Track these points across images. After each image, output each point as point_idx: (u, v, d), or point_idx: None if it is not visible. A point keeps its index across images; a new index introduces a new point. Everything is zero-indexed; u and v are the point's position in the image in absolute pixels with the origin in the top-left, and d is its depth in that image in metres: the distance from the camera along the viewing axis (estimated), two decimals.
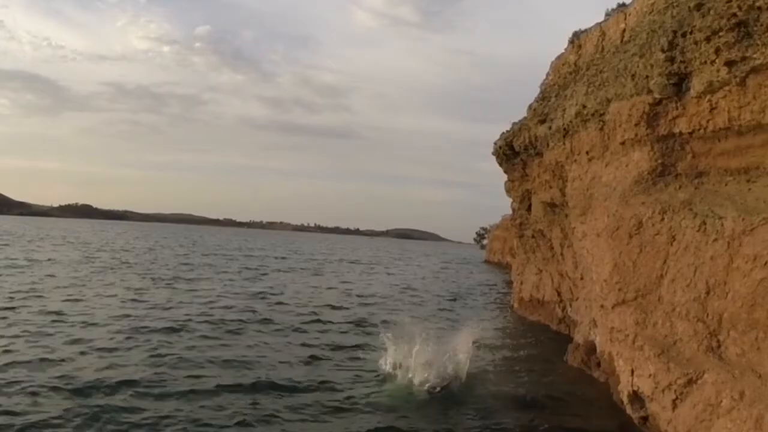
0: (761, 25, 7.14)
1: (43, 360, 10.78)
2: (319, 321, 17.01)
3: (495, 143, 18.23)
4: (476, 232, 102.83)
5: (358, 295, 25.07)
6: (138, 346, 12.36)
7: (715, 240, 7.35)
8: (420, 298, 26.18)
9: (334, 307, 20.29)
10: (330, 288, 28.07)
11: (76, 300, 18.38)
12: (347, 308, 20.43)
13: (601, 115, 12.06)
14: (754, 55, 7.23)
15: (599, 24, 13.09)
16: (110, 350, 11.91)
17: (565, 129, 13.71)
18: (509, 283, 32.94)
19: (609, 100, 11.65)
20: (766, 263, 6.34)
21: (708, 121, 8.48)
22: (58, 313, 15.67)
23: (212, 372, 10.72)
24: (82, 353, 11.54)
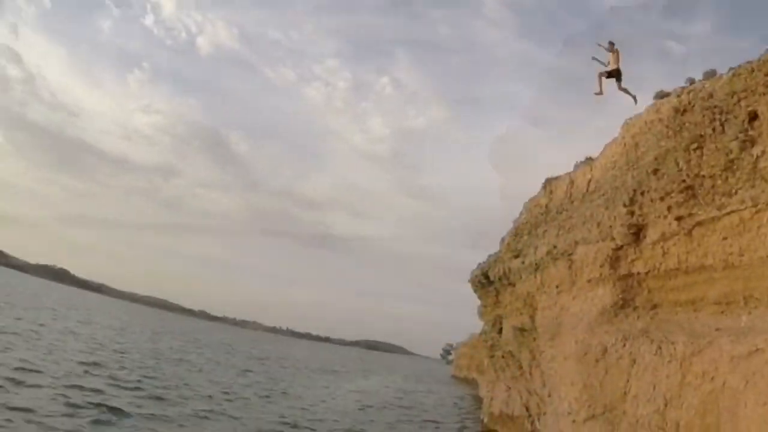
0: (705, 189, 9.25)
1: None
2: None
3: (472, 272, 19.91)
4: (443, 348, 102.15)
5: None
6: None
7: (669, 361, 8.83)
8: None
9: None
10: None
11: None
12: None
13: (569, 254, 13.86)
14: (699, 213, 9.27)
15: (569, 173, 15.24)
16: None
17: (536, 264, 15.47)
18: (477, 398, 32.30)
19: (577, 243, 13.52)
20: (712, 378, 7.78)
21: (661, 263, 10.37)
22: None
23: None
24: None
